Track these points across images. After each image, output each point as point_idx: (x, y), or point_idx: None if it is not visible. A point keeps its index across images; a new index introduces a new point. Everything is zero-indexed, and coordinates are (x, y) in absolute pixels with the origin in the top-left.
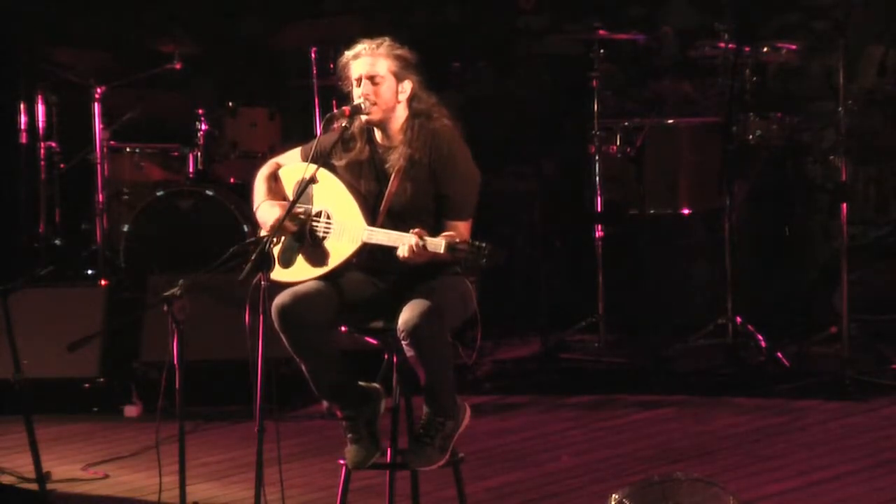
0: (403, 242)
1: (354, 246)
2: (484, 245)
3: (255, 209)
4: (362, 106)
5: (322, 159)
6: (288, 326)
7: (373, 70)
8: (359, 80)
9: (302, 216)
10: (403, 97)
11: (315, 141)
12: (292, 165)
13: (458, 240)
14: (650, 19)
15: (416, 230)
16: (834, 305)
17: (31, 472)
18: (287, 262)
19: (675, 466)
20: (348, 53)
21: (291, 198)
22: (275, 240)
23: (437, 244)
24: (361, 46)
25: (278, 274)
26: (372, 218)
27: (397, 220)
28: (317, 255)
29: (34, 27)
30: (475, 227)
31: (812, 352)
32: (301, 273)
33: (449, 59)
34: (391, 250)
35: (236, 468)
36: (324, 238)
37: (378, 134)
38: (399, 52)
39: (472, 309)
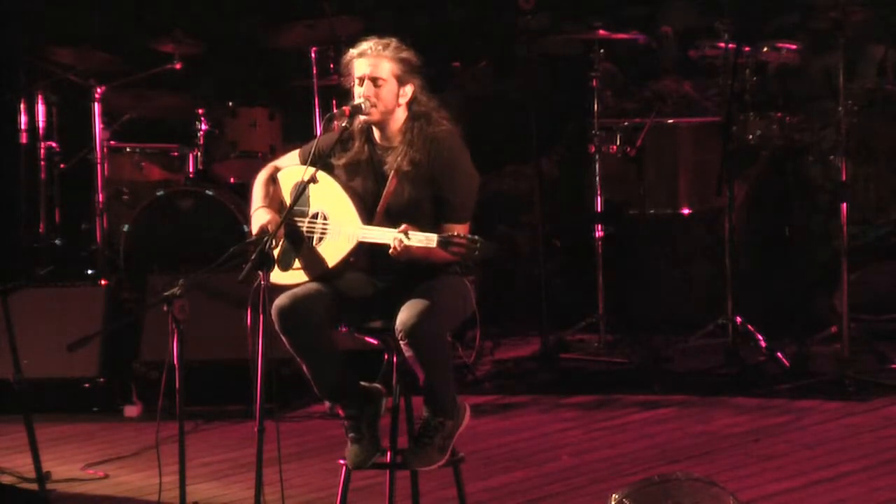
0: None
1: (350, 245)
2: (476, 238)
3: (251, 214)
4: (362, 106)
5: (321, 160)
6: (288, 328)
7: (376, 72)
8: (361, 80)
9: (295, 220)
10: (404, 100)
11: (314, 142)
12: (290, 168)
13: (449, 234)
14: (650, 19)
15: (403, 227)
16: (834, 305)
17: (31, 472)
18: (285, 265)
19: (675, 466)
20: (353, 51)
21: (289, 199)
22: (273, 242)
23: (430, 238)
24: (367, 45)
25: (277, 277)
26: (369, 218)
27: (394, 221)
28: (314, 256)
29: (34, 27)
30: (474, 227)
31: (812, 352)
32: (299, 275)
33: (449, 59)
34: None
35: (236, 468)
36: (320, 239)
37: (377, 134)
38: (404, 54)
39: (471, 309)
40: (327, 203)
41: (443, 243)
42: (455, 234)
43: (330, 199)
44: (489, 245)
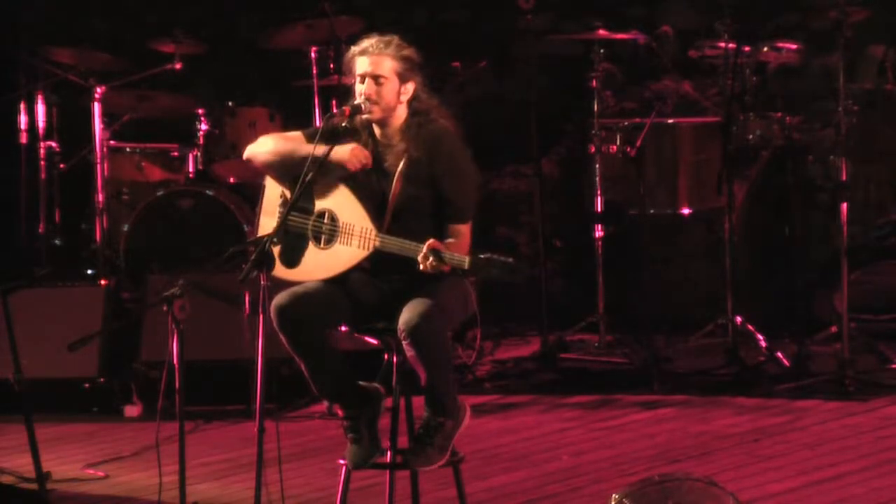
0: (419, 253)
1: (365, 252)
2: (511, 261)
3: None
4: (362, 106)
5: (333, 140)
6: (287, 326)
7: (377, 70)
8: (362, 78)
9: (299, 217)
10: (405, 98)
11: (319, 128)
12: (271, 185)
13: (482, 256)
14: (650, 19)
15: (431, 241)
16: (834, 305)
17: (31, 472)
18: (292, 262)
19: (675, 466)
20: (355, 49)
21: (291, 194)
22: (278, 218)
23: (461, 261)
24: (369, 43)
25: (283, 273)
26: (379, 221)
27: (398, 221)
28: (324, 257)
29: (34, 27)
30: (475, 229)
31: (812, 352)
32: (307, 273)
33: (449, 59)
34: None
35: (236, 468)
36: (330, 240)
37: (377, 131)
38: (406, 52)
39: (471, 309)
40: (334, 203)
41: (475, 266)
42: (489, 255)
43: (336, 199)
44: (522, 268)
